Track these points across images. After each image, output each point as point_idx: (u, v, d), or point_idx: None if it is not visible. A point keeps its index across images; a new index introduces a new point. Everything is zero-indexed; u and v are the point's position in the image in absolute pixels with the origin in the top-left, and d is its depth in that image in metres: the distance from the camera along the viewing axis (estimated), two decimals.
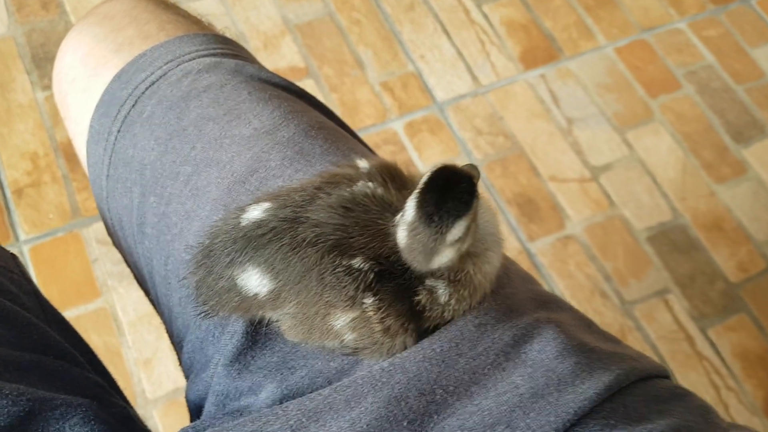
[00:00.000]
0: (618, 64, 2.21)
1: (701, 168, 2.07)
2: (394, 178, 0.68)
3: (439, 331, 0.68)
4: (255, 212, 0.67)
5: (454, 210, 0.60)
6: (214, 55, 0.91)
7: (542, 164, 2.02)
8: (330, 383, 0.68)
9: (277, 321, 0.70)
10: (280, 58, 2.11)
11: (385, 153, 1.98)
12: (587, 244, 1.93)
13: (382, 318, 0.65)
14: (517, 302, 0.73)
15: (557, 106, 2.11)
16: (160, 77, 0.87)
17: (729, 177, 2.07)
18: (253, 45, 2.13)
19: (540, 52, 2.20)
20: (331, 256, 0.64)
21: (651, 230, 1.97)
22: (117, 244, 0.96)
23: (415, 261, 0.64)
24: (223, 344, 0.73)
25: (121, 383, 0.86)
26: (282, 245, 0.65)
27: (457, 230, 0.61)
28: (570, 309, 0.79)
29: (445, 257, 0.63)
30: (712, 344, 1.85)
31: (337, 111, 2.00)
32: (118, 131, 0.87)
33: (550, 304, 0.77)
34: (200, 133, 0.82)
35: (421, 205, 0.61)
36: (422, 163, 1.98)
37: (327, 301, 0.65)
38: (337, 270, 0.64)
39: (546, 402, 0.63)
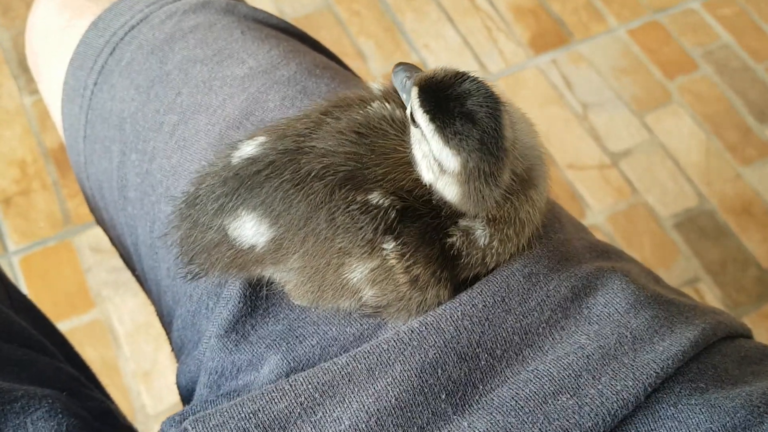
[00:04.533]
0: (632, 47, 2.11)
1: (725, 150, 1.96)
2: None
3: (480, 283, 0.57)
4: (248, 148, 0.57)
5: (490, 119, 0.50)
6: None
7: (558, 152, 1.91)
8: (347, 352, 0.57)
9: (280, 281, 0.59)
10: None
11: None
12: (611, 233, 1.82)
13: (408, 266, 0.54)
14: (572, 249, 0.62)
15: (571, 91, 2.01)
16: (141, 20, 0.78)
17: (755, 158, 1.96)
18: None
19: (550, 36, 2.10)
20: (343, 190, 0.53)
21: (677, 217, 1.86)
22: (99, 219, 0.86)
23: (475, 206, 0.53)
24: (217, 313, 0.62)
25: (120, 399, 0.76)
26: (282, 181, 0.54)
27: (509, 134, 0.50)
28: (634, 260, 0.68)
29: (503, 184, 0.52)
30: None
31: None
32: (95, 84, 0.77)
33: (610, 253, 0.67)
34: (186, 76, 0.73)
35: (459, 139, 0.50)
36: None
37: (340, 248, 0.54)
38: (351, 207, 0.53)
39: (620, 364, 0.52)
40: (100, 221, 0.85)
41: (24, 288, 1.62)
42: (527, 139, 0.56)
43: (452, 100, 0.50)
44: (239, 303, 0.60)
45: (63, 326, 1.59)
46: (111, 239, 0.85)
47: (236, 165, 0.56)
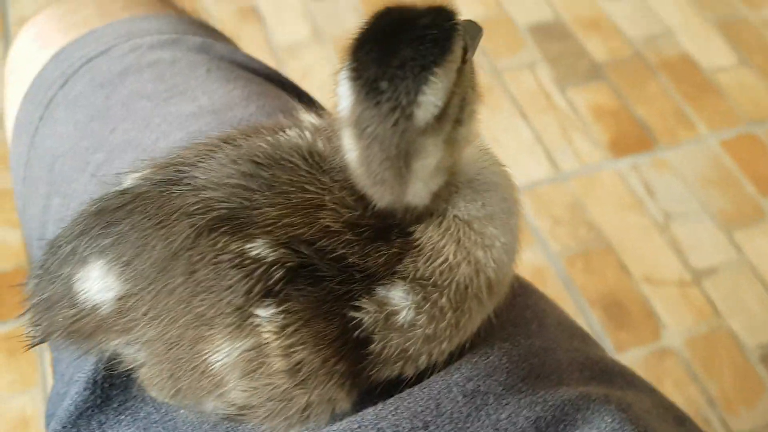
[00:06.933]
0: (723, 158, 1.92)
1: None
2: None
3: (397, 397, 0.40)
4: (128, 181, 0.45)
5: (414, 60, 0.35)
6: (178, 33, 0.72)
7: (634, 262, 1.72)
8: None
9: (133, 360, 0.43)
10: None
11: None
12: (688, 359, 1.59)
13: (289, 346, 0.38)
14: (551, 363, 0.45)
15: (652, 198, 1.82)
16: (102, 53, 0.69)
17: None
18: None
19: (631, 139, 1.94)
20: (213, 234, 0.39)
21: (764, 348, 1.62)
22: None
23: (384, 189, 0.38)
24: (65, 403, 0.47)
25: None
26: (142, 218, 0.40)
27: (432, 96, 0.36)
28: (651, 390, 0.50)
29: (431, 165, 0.37)
30: None
31: None
32: (40, 119, 0.68)
33: (614, 376, 0.49)
34: (127, 112, 0.63)
35: (355, 72, 0.37)
36: None
37: (198, 315, 0.38)
38: (220, 258, 0.38)
39: None
40: None
41: None
42: (495, 178, 0.44)
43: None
44: (85, 392, 0.46)
45: None
46: None
47: (105, 198, 0.43)
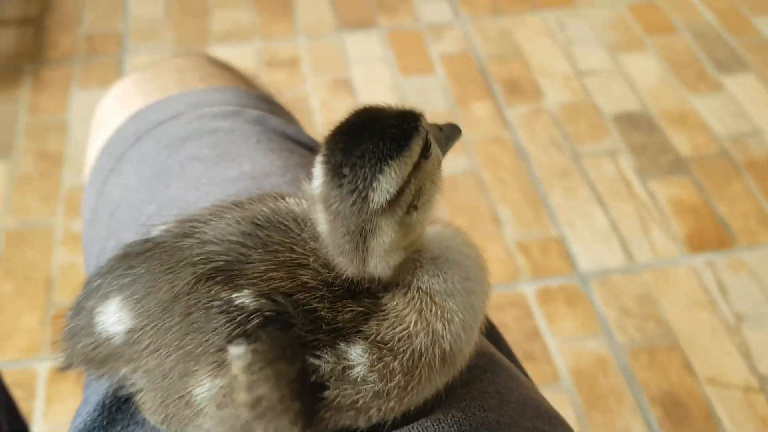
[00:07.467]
0: None
1: None
2: None
3: None
4: (155, 231, 0.52)
5: (372, 153, 0.42)
6: (242, 106, 0.80)
7: (700, 362, 1.68)
8: None
9: (137, 387, 0.49)
10: None
11: (508, 316, 1.73)
12: None
13: (253, 382, 0.43)
14: None
15: (725, 299, 1.79)
16: (172, 117, 0.77)
17: None
18: None
19: (710, 237, 1.91)
20: (209, 283, 0.45)
21: None
22: None
23: (346, 260, 0.44)
24: (79, 415, 0.54)
25: None
26: (155, 263, 0.47)
27: (385, 183, 0.42)
28: None
29: (384, 243, 0.43)
30: None
31: None
32: (111, 170, 0.76)
33: None
34: (182, 172, 0.71)
35: (326, 158, 0.43)
36: (551, 335, 1.69)
37: (187, 351, 0.44)
38: (212, 304, 0.44)
39: None
40: None
41: None
42: (464, 260, 0.48)
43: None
44: (94, 412, 0.52)
45: None
46: None
47: (132, 244, 0.51)
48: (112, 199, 0.74)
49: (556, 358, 1.67)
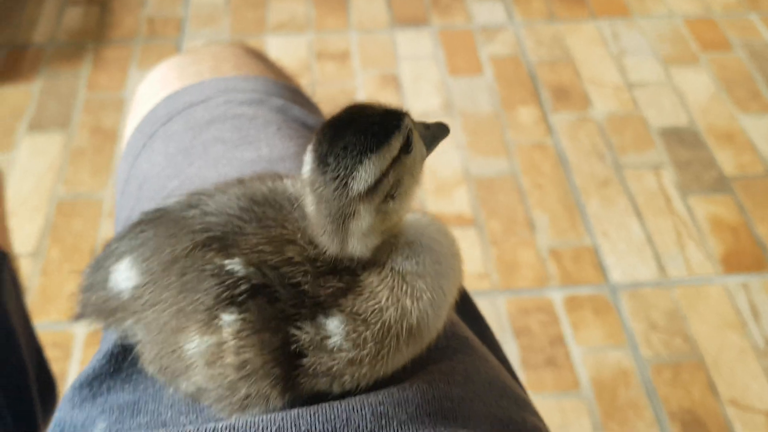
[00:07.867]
0: None
1: None
2: None
3: (316, 405, 0.49)
4: (169, 201, 0.57)
5: (354, 146, 0.46)
6: (268, 94, 0.85)
7: (724, 383, 1.67)
8: None
9: (139, 339, 0.55)
10: (449, 204, 1.98)
11: (534, 321, 1.74)
12: None
13: (240, 347, 0.48)
14: (462, 410, 0.52)
15: (756, 321, 1.77)
16: (201, 101, 0.83)
17: None
18: (424, 186, 2.02)
19: (746, 258, 1.89)
20: (204, 249, 0.50)
21: None
22: None
23: (328, 239, 0.49)
24: (91, 361, 0.60)
25: None
26: (162, 229, 0.53)
27: (364, 173, 0.46)
28: None
29: (362, 227, 0.47)
30: None
31: (493, 265, 1.81)
32: (143, 146, 0.82)
33: None
34: (205, 152, 0.77)
35: (315, 147, 0.48)
36: (575, 343, 1.70)
37: (180, 308, 0.49)
38: (205, 267, 0.49)
39: None
40: None
41: None
42: (438, 247, 0.52)
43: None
44: (103, 359, 0.58)
45: None
46: None
47: (146, 212, 0.56)
48: (142, 173, 0.79)
49: (579, 366, 1.68)
